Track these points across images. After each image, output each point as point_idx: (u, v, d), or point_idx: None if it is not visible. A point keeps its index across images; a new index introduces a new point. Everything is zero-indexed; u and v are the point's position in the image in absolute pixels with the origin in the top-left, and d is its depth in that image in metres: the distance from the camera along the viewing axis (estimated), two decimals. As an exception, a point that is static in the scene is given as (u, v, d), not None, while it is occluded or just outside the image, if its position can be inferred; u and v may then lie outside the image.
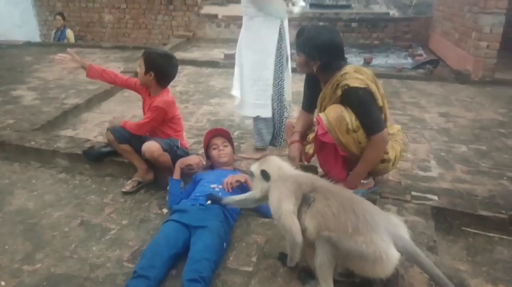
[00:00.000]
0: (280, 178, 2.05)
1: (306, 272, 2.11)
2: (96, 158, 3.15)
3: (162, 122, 2.97)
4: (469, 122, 4.42)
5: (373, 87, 2.40)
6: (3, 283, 2.07)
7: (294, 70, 3.24)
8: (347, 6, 11.33)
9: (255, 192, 2.19)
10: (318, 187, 1.95)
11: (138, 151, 2.89)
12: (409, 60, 7.24)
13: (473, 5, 6.04)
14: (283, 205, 1.92)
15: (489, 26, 5.72)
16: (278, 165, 2.12)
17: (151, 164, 2.93)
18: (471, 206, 2.57)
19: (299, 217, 1.91)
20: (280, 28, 3.31)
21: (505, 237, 2.45)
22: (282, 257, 2.19)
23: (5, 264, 2.21)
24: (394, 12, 10.39)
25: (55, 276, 2.12)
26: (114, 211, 2.72)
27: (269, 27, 3.26)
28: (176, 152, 2.91)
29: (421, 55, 7.41)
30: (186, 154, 3.06)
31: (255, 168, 2.15)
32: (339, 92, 2.42)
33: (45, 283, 2.07)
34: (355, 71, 2.43)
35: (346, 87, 2.37)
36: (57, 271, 2.15)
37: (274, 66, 3.33)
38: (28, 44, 8.47)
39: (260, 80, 3.33)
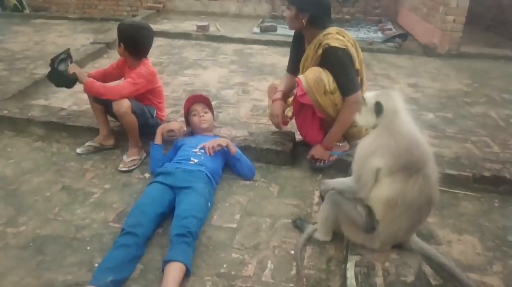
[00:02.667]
0: (391, 125, 1.81)
1: (301, 220, 2.25)
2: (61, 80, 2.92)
3: (142, 91, 2.90)
4: (436, 92, 4.63)
5: (352, 50, 2.51)
6: (-12, 245, 2.08)
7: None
8: (318, -19, 11.33)
9: (359, 119, 1.97)
10: (426, 168, 1.80)
11: (109, 113, 2.92)
12: (379, 34, 7.38)
13: (441, -20, 6.21)
14: (375, 160, 1.80)
15: (456, 1, 5.90)
16: (398, 106, 1.83)
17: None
18: (438, 166, 2.72)
19: (383, 174, 1.81)
20: None
21: (469, 193, 2.65)
22: (299, 223, 2.24)
23: (-12, 228, 2.21)
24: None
25: (41, 237, 2.14)
26: (95, 177, 2.73)
27: None
28: (147, 119, 2.89)
29: (390, 29, 7.56)
30: (158, 125, 2.98)
31: (370, 96, 1.91)
32: (320, 51, 2.51)
33: (31, 244, 2.09)
34: (337, 33, 2.54)
35: (327, 46, 2.47)
36: (42, 233, 2.18)
37: None
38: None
39: None
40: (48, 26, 7.39)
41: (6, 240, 2.11)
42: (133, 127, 2.81)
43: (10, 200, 2.44)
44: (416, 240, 2.02)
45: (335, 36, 2.50)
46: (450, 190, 2.66)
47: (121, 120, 2.80)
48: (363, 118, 1.95)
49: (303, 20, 2.54)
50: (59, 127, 3.22)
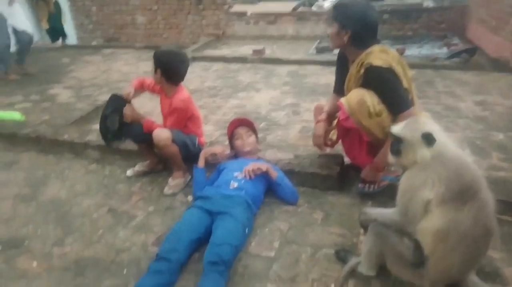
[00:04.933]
0: (438, 154, 1.67)
1: (344, 251, 2.11)
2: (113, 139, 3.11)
3: (185, 121, 2.91)
4: (507, 110, 4.20)
5: (397, 69, 2.31)
6: (35, 264, 2.17)
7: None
8: (379, -1, 11.06)
9: (403, 160, 1.77)
10: (481, 193, 1.62)
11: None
12: (444, 50, 6.96)
13: (512, -11, 5.75)
14: (424, 191, 1.64)
15: (529, 11, 5.42)
16: (437, 131, 1.70)
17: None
18: (506, 193, 2.44)
19: (434, 205, 1.63)
20: None
21: (543, 224, 2.32)
22: (343, 255, 2.09)
23: (38, 248, 2.31)
24: (428, 3, 10.02)
25: (83, 260, 2.19)
26: (141, 199, 2.78)
27: None
28: (189, 148, 2.88)
29: (456, 44, 7.11)
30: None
31: (408, 131, 1.73)
32: (362, 71, 2.36)
33: (73, 266, 2.15)
34: (381, 51, 2.35)
35: (369, 65, 2.31)
36: (84, 255, 2.23)
37: None
38: (66, 47, 8.82)
39: None
40: (116, 56, 7.90)
41: (51, 261, 2.19)
42: (174, 156, 2.84)
43: (60, 222, 2.55)
44: (474, 280, 1.78)
45: (378, 55, 2.32)
46: (520, 221, 2.34)
47: (162, 152, 2.86)
48: (410, 157, 1.72)
49: (345, 38, 2.42)
50: (113, 151, 3.35)
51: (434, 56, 6.41)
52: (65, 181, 3.07)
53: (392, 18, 8.55)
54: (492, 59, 5.98)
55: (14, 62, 6.17)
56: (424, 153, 1.68)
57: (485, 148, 3.34)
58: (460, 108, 4.33)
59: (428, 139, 1.67)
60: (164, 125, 2.92)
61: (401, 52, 6.77)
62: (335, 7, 2.47)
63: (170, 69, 2.80)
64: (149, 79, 3.05)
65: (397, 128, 1.79)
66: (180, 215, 2.52)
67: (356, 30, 2.37)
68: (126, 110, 2.91)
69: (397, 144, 1.77)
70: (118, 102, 2.97)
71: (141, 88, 3.08)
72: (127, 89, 2.95)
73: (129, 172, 3.10)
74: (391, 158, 1.85)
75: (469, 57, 6.06)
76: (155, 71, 2.83)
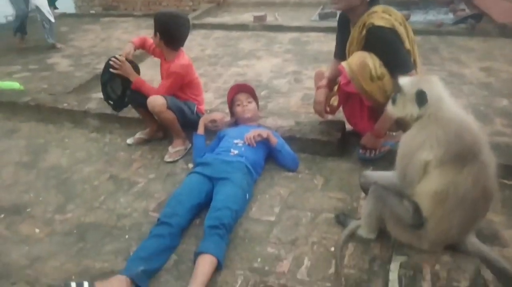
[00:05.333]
0: (437, 113, 1.63)
1: (344, 215, 2.12)
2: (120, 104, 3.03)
3: (180, 86, 2.87)
4: (512, 77, 4.14)
5: (400, 29, 2.26)
6: (37, 231, 2.19)
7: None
8: (385, -37, 10.73)
9: (395, 110, 1.79)
10: (482, 155, 1.59)
11: None
12: (450, 15, 6.79)
13: (523, -49, 5.54)
14: (422, 153, 1.61)
15: (540, -27, 5.24)
16: (441, 93, 1.66)
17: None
18: (508, 158, 2.42)
19: (432, 166, 1.61)
20: None
21: (544, 188, 2.31)
22: (343, 219, 2.09)
23: (39, 214, 2.33)
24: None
25: (84, 225, 2.21)
26: (142, 166, 2.78)
27: None
28: (186, 114, 2.84)
29: (463, 10, 6.93)
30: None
31: (407, 83, 1.73)
32: (364, 32, 2.29)
33: (75, 231, 2.17)
34: (383, 11, 2.29)
35: (371, 25, 2.25)
36: (86, 220, 2.25)
37: None
38: (64, 16, 8.64)
39: None
40: (115, 24, 7.76)
41: (53, 226, 2.21)
42: (171, 123, 2.80)
43: (61, 188, 2.56)
44: (473, 241, 1.78)
45: (380, 15, 2.26)
46: (521, 185, 2.34)
47: (158, 118, 2.81)
48: (400, 109, 1.75)
49: None
50: (113, 119, 3.33)
51: (439, 22, 6.26)
52: (66, 149, 3.06)
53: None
54: (499, 25, 5.83)
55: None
56: (413, 110, 1.68)
57: (489, 114, 3.31)
58: (464, 74, 4.26)
59: (420, 97, 1.64)
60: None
61: (406, 18, 6.61)
62: None
63: (169, 32, 2.72)
64: (152, 40, 2.97)
65: (404, 78, 1.78)
66: (180, 181, 2.52)
67: None
68: (115, 62, 2.77)
69: (396, 93, 1.78)
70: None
71: (142, 46, 3.01)
72: (127, 48, 2.86)
73: (129, 140, 3.08)
74: (389, 105, 1.84)
75: (475, 23, 5.92)
76: (155, 34, 2.76)
